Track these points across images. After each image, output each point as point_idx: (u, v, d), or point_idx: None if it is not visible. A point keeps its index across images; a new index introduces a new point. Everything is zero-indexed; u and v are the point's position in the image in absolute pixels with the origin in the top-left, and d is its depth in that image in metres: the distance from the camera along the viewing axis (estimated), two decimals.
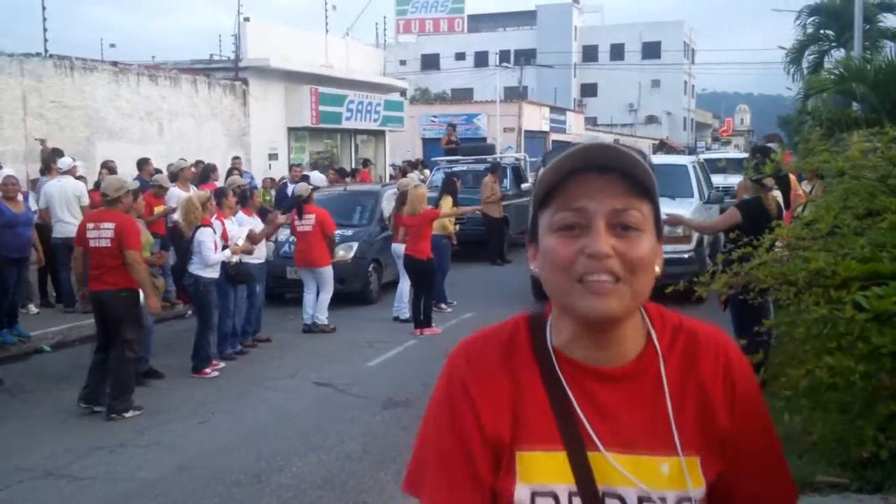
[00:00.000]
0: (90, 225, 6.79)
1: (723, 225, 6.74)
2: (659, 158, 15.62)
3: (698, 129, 69.71)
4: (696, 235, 11.29)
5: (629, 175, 1.18)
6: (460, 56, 57.15)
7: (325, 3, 22.99)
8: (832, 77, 11.16)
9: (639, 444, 1.20)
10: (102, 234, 6.67)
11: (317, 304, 10.00)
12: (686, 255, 10.65)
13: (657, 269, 1.21)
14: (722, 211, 8.78)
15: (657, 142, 38.74)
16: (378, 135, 25.09)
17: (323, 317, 10.00)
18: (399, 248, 10.17)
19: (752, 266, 4.00)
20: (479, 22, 60.46)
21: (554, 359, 1.24)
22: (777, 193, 7.19)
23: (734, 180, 13.45)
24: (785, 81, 20.67)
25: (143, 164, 12.29)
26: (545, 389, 1.22)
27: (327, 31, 23.00)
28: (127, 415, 6.67)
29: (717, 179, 15.46)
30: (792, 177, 8.36)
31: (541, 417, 1.21)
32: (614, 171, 1.18)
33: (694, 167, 12.82)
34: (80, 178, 10.86)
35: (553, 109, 38.02)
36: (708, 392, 1.23)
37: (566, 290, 1.18)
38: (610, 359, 1.22)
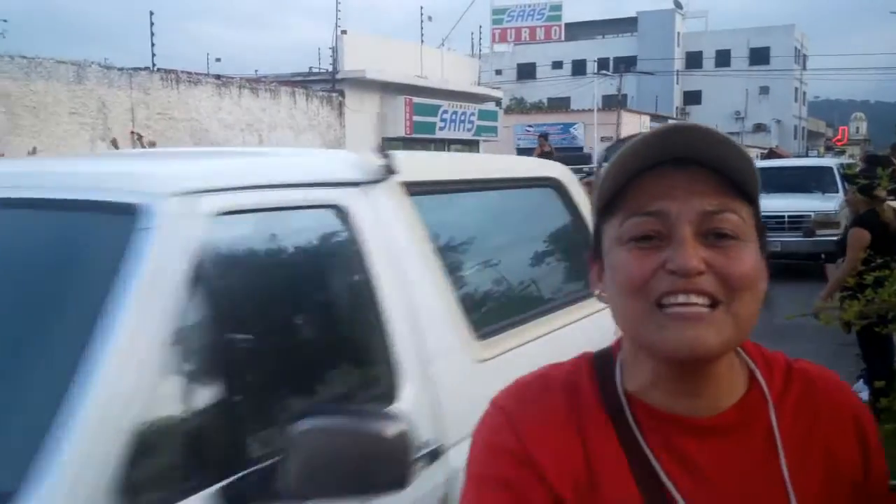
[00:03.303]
0: None
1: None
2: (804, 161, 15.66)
3: (810, 137, 66.87)
4: (844, 221, 11.15)
5: (722, 168, 0.91)
6: (557, 64, 56.75)
7: (421, 15, 23.23)
8: None
9: None
10: None
11: None
12: (836, 238, 11.43)
13: (762, 288, 0.93)
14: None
15: (766, 150, 37.34)
16: (472, 145, 25.13)
17: None
18: None
19: (890, 292, 3.56)
20: (577, 30, 59.84)
21: (626, 408, 0.97)
22: (894, 204, 6.62)
23: None
24: None
25: None
26: (620, 446, 0.95)
27: (423, 41, 23.24)
28: None
29: (808, 203, 12.50)
30: None
31: (618, 480, 0.94)
32: (701, 163, 0.91)
33: (837, 168, 13.43)
34: None
35: (654, 118, 37.22)
36: (836, 452, 0.98)
37: (641, 318, 0.91)
38: (701, 407, 0.95)
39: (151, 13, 16.08)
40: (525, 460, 0.94)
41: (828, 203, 12.38)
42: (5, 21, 25.50)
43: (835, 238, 11.21)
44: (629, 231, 0.92)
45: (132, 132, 14.05)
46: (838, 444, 0.98)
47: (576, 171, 17.58)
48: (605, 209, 0.96)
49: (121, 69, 14.26)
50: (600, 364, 1.02)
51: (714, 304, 0.88)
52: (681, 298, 0.88)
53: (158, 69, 15.32)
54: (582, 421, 0.97)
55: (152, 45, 15.95)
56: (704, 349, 0.88)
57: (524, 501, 0.93)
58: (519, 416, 0.98)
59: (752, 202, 0.94)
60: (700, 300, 0.88)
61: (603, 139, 30.86)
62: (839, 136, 67.43)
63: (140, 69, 14.81)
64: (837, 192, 12.93)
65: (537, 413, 0.98)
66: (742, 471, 0.94)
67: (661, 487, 0.92)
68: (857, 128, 75.18)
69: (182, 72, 15.56)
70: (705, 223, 0.89)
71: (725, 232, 0.90)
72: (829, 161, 16.44)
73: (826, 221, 11.62)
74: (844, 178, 12.62)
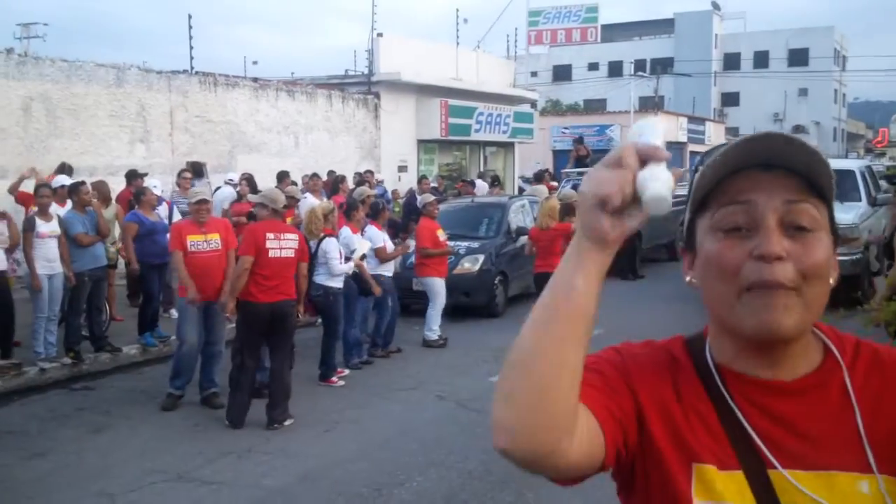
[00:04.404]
0: (270, 235, 6.79)
1: None
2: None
3: (850, 139, 65.63)
4: (864, 236, 10.81)
5: (802, 172, 1.06)
6: (593, 66, 56.33)
7: (457, 17, 23.17)
8: None
9: (828, 461, 1.06)
10: (285, 245, 6.80)
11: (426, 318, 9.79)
12: (855, 258, 10.44)
13: (832, 280, 1.07)
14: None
15: None
16: (507, 146, 24.98)
17: (431, 333, 9.71)
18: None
19: None
20: (614, 32, 59.34)
21: (717, 374, 1.13)
22: None
23: None
24: None
25: (282, 176, 12.76)
26: (711, 402, 1.12)
27: (458, 44, 23.15)
28: (286, 423, 6.74)
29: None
30: None
31: (712, 435, 1.10)
32: (784, 167, 1.06)
33: (861, 172, 12.19)
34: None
35: (691, 119, 36.72)
36: None
37: (730, 301, 1.06)
38: (780, 375, 1.11)
39: (190, 17, 16.20)
40: (625, 373, 1.14)
41: (846, 214, 10.18)
42: (46, 25, 25.95)
43: (854, 257, 10.41)
44: (721, 220, 1.07)
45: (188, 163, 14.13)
46: None
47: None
48: (699, 205, 1.12)
49: (159, 72, 14.37)
50: (692, 341, 1.19)
51: (790, 290, 1.03)
52: (766, 276, 1.02)
53: (196, 72, 15.43)
54: (677, 379, 1.14)
55: (191, 48, 16.11)
56: (782, 332, 1.04)
57: (611, 390, 1.11)
58: (628, 355, 1.18)
59: (828, 204, 1.08)
60: (780, 283, 1.02)
61: None
62: (879, 138, 65.95)
63: (178, 72, 14.92)
64: (860, 200, 11.20)
65: (643, 360, 1.17)
66: (821, 422, 1.08)
67: (749, 438, 1.07)
68: None
69: (220, 75, 15.66)
70: (787, 214, 1.04)
71: (803, 224, 1.04)
72: (851, 163, 13.84)
73: (843, 237, 9.89)
74: (886, 179, 11.91)
